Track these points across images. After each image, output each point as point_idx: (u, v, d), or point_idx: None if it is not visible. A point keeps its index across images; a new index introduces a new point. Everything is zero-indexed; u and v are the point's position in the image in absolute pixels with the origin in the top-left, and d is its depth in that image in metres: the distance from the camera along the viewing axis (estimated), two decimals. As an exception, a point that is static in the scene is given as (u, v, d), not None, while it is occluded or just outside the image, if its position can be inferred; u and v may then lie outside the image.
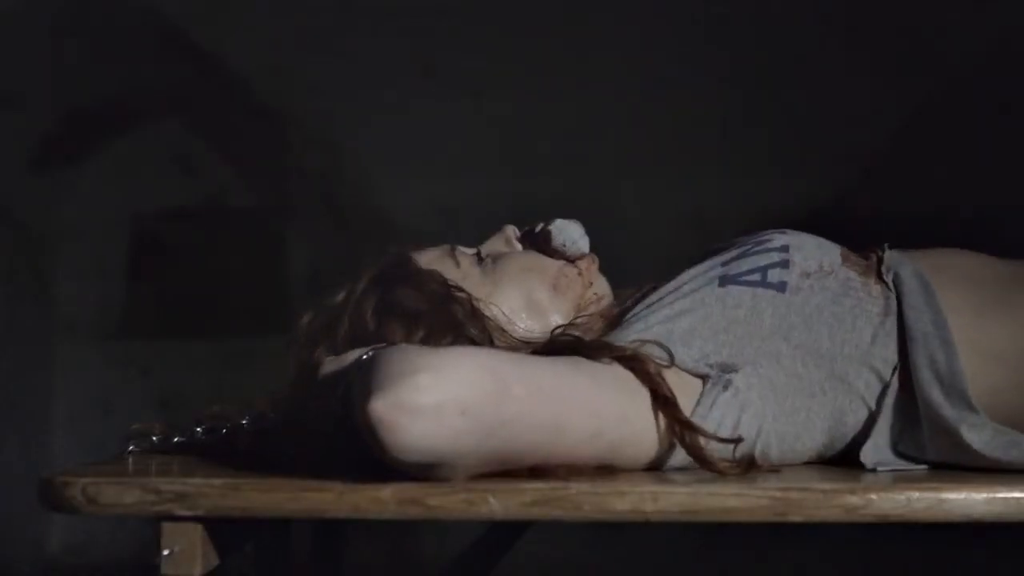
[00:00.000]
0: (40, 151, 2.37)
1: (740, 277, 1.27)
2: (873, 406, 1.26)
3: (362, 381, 1.08)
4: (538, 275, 1.36)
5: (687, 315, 1.24)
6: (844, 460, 1.27)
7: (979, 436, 1.21)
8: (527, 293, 1.35)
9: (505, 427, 1.09)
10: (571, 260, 1.38)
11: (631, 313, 1.30)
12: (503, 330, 1.30)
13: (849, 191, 2.21)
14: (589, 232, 1.36)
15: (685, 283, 1.29)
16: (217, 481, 1.12)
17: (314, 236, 2.33)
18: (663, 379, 1.18)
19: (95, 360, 2.35)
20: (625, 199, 2.20)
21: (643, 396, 1.18)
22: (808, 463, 1.28)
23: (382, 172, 2.31)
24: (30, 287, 2.37)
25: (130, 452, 1.33)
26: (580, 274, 1.37)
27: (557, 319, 1.33)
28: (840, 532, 1.33)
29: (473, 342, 1.27)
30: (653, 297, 1.30)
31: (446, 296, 1.30)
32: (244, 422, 1.31)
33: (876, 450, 1.25)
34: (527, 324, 1.33)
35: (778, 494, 1.10)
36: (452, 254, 1.36)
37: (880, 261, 1.33)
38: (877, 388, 1.26)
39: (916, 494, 1.11)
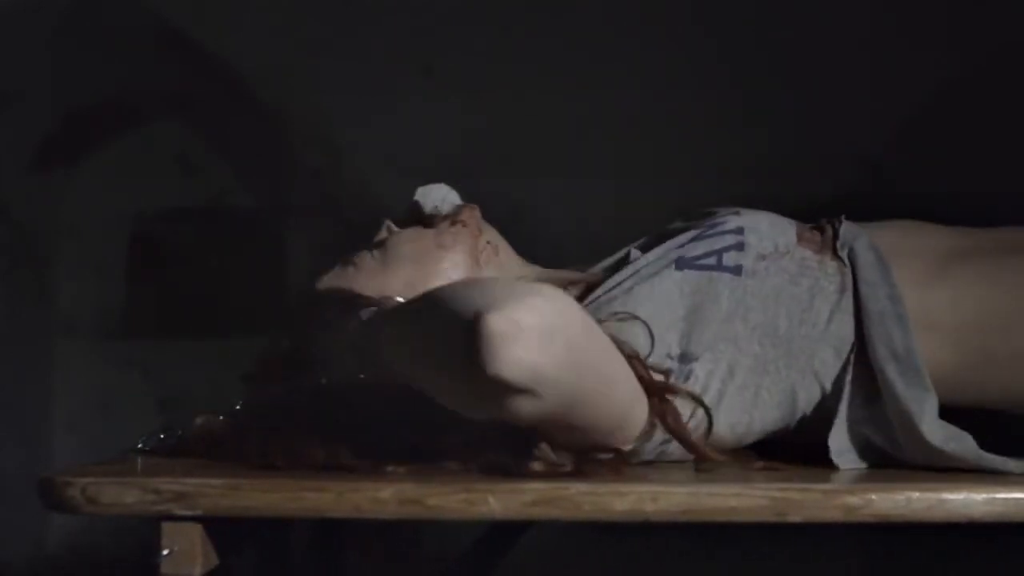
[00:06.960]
0: (40, 151, 2.37)
1: (696, 261, 1.29)
2: (828, 385, 1.27)
3: (462, 298, 1.07)
4: (422, 243, 1.37)
5: (647, 302, 1.26)
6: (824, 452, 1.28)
7: (930, 426, 1.23)
8: (420, 263, 1.36)
9: (586, 367, 1.10)
10: (453, 220, 1.40)
11: (591, 297, 1.32)
12: None
13: (850, 191, 2.21)
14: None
15: (643, 267, 1.31)
16: (217, 481, 1.13)
17: (314, 236, 2.33)
18: (640, 360, 1.21)
19: (95, 360, 2.35)
20: (626, 199, 2.20)
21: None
22: (797, 454, 1.29)
23: (382, 172, 2.31)
24: (30, 287, 2.37)
25: (138, 449, 1.35)
26: (465, 225, 1.39)
27: (455, 275, 1.34)
28: (840, 532, 1.34)
29: None
30: (611, 282, 1.32)
31: (351, 309, 1.31)
32: (221, 416, 1.33)
33: (839, 435, 1.27)
34: None
35: (778, 494, 1.11)
36: (346, 261, 1.38)
37: (835, 235, 1.34)
38: (835, 367, 1.27)
39: (916, 494, 1.11)
